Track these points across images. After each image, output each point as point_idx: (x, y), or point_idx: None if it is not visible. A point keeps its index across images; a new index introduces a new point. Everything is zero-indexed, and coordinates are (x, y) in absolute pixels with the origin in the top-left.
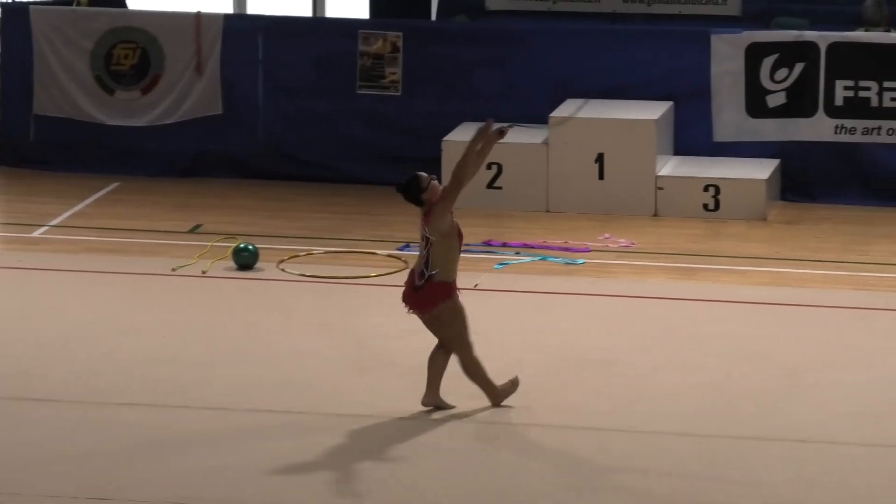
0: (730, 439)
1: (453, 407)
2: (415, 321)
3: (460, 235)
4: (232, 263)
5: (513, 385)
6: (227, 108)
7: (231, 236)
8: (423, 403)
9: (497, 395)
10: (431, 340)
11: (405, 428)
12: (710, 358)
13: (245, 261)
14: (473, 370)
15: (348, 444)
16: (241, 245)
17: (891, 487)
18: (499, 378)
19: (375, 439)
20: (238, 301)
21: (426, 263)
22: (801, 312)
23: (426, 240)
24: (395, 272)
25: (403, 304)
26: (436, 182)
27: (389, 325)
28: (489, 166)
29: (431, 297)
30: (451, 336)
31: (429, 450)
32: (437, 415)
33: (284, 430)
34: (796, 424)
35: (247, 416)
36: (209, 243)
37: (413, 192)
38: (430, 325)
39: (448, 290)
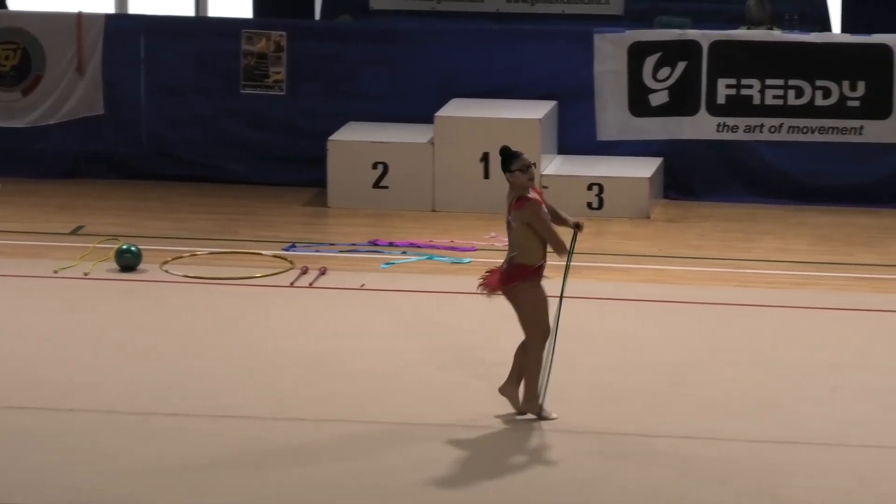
0: (615, 436)
1: (521, 413)
2: (304, 320)
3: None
4: (115, 265)
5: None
6: (109, 109)
7: (114, 238)
8: (500, 391)
9: (529, 404)
10: (318, 340)
11: (292, 431)
12: (595, 356)
13: (128, 262)
14: (533, 367)
15: (237, 445)
16: (124, 246)
17: (772, 483)
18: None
19: (267, 442)
20: (122, 303)
21: (509, 246)
22: (684, 310)
23: (509, 224)
24: (280, 272)
25: (481, 288)
26: (533, 171)
27: (276, 325)
28: (375, 166)
29: (507, 277)
30: (524, 320)
31: (290, 452)
32: (318, 416)
33: (172, 432)
34: (680, 421)
35: (134, 419)
36: (92, 245)
37: (504, 165)
38: (511, 304)
39: (525, 272)
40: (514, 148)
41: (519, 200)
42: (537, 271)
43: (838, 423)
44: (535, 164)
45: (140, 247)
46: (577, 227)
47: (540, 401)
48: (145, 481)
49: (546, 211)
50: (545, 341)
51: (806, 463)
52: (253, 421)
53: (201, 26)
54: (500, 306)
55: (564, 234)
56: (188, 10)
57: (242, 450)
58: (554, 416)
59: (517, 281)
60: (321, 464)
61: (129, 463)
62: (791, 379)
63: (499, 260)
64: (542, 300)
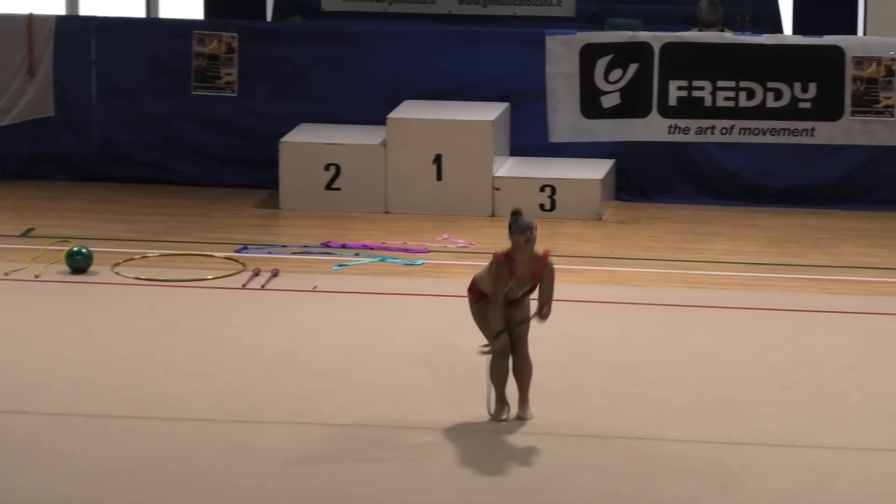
0: (567, 437)
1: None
2: (256, 322)
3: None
4: (65, 267)
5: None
6: (60, 110)
7: (64, 240)
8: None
9: (520, 409)
10: (271, 342)
11: (244, 433)
12: (547, 357)
13: (79, 264)
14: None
15: (189, 448)
16: (75, 248)
17: (725, 484)
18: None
19: (219, 444)
20: (72, 305)
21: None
22: (636, 311)
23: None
24: (232, 274)
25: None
26: (530, 234)
27: (228, 327)
28: (327, 167)
29: (470, 286)
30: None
31: (242, 455)
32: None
33: (123, 434)
34: (633, 422)
35: (85, 421)
36: (42, 247)
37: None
38: None
39: (478, 293)
40: (518, 209)
41: (498, 253)
42: (480, 295)
43: (790, 424)
44: (535, 227)
45: (91, 249)
46: (539, 317)
47: (489, 407)
48: (96, 483)
49: (505, 282)
50: (496, 353)
51: (758, 464)
52: (205, 423)
53: (152, 28)
54: (452, 308)
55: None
56: (139, 12)
57: (194, 452)
58: (503, 417)
59: (470, 294)
60: (274, 466)
61: (80, 465)
62: (743, 380)
63: (451, 262)
64: (486, 317)
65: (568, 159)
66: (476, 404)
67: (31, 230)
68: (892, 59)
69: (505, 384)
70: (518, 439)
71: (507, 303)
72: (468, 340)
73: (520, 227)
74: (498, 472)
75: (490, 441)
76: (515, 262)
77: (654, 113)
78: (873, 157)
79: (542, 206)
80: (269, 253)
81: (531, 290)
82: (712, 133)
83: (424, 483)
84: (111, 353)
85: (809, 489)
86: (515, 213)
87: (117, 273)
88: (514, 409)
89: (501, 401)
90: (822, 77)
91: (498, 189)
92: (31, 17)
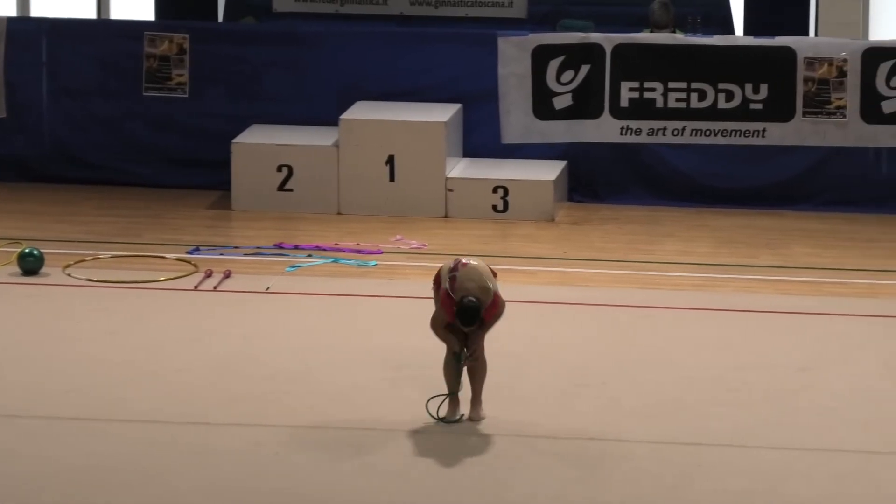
0: (519, 438)
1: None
2: (208, 323)
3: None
4: (17, 269)
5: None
6: (11, 112)
7: (16, 241)
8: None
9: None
10: (223, 343)
11: (196, 435)
12: (499, 357)
13: (30, 266)
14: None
15: (141, 450)
16: (26, 250)
17: (676, 484)
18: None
19: (171, 446)
20: (24, 307)
21: None
22: (589, 311)
23: None
24: (184, 276)
25: None
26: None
27: (181, 329)
28: (279, 168)
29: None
30: None
31: (194, 457)
32: (225, 419)
33: (75, 436)
34: (585, 422)
35: (37, 422)
36: None
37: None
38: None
39: (443, 299)
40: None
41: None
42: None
43: (741, 424)
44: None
45: (42, 250)
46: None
47: (436, 412)
48: (47, 484)
49: (445, 330)
50: (450, 352)
51: (709, 464)
52: (158, 425)
53: (103, 29)
54: (406, 309)
55: None
56: (90, 13)
57: (146, 453)
58: (456, 418)
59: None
60: (226, 468)
61: (31, 466)
62: (695, 380)
63: (404, 263)
64: (441, 318)
65: (520, 160)
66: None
67: None
68: (844, 61)
69: (458, 385)
70: (471, 440)
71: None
72: (422, 342)
73: (465, 326)
74: (451, 473)
75: (443, 442)
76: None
77: (606, 114)
78: (824, 158)
79: (494, 208)
80: (222, 254)
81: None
82: (664, 134)
83: (378, 484)
84: (63, 354)
85: (762, 489)
86: (464, 315)
87: (69, 274)
88: (466, 410)
89: (454, 401)
90: (773, 78)
91: (451, 190)
92: None
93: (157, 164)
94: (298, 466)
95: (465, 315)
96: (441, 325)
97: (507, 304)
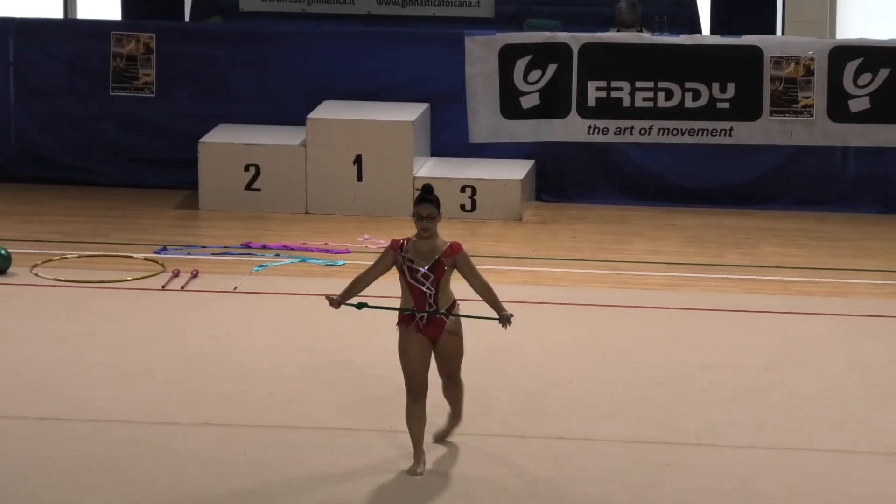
0: (489, 437)
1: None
2: (176, 323)
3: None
4: None
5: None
6: None
7: None
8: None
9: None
10: (191, 343)
11: (164, 435)
12: (468, 357)
13: None
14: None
15: (107, 450)
16: None
17: (646, 483)
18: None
19: (139, 445)
20: None
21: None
22: (557, 311)
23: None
24: (152, 275)
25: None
26: (422, 219)
27: (148, 328)
28: (247, 168)
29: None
30: None
31: (161, 456)
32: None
33: (41, 436)
34: (555, 422)
35: (4, 422)
36: None
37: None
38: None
39: (399, 318)
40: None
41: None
42: (404, 318)
43: (710, 423)
44: (434, 215)
45: (10, 250)
46: (501, 323)
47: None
48: (13, 483)
49: (385, 264)
50: (410, 395)
51: (679, 463)
52: (125, 424)
53: (70, 29)
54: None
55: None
56: (57, 13)
57: (114, 454)
58: (418, 471)
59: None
60: (193, 468)
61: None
62: (663, 379)
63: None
64: (403, 349)
65: (488, 160)
66: (396, 404)
67: None
68: (811, 59)
69: (421, 434)
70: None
71: (411, 286)
72: (388, 341)
73: (419, 205)
74: (432, 474)
75: (409, 443)
76: (409, 240)
77: (574, 114)
78: (792, 157)
79: (462, 207)
80: (189, 254)
81: (439, 277)
82: (631, 133)
83: (347, 483)
84: (30, 354)
85: (731, 488)
86: (423, 189)
87: (36, 274)
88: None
89: (418, 452)
90: (740, 77)
91: (419, 190)
92: None
93: (124, 164)
94: (266, 466)
95: (423, 189)
96: (402, 350)
97: (473, 302)
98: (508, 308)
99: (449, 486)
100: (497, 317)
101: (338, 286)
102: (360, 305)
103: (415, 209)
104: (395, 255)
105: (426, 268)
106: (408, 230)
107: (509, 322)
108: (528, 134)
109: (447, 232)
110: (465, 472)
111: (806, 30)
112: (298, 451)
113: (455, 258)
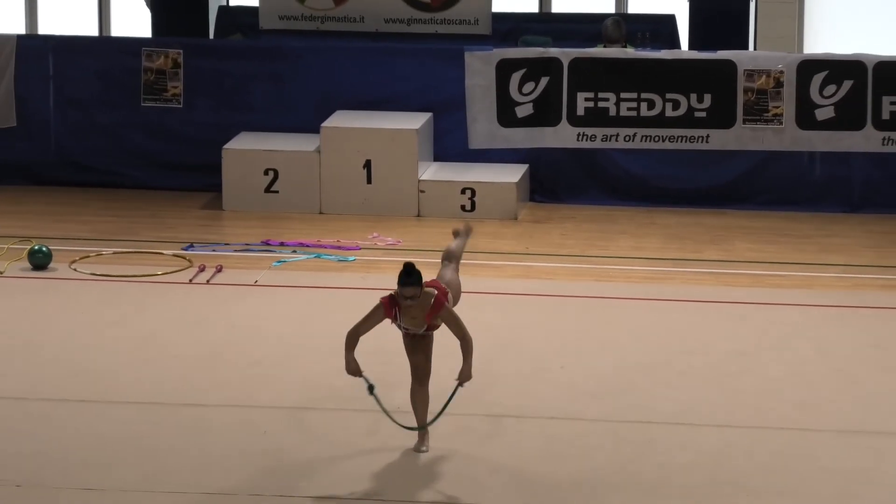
0: (486, 417)
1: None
2: (201, 314)
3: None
4: (27, 264)
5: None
6: (20, 121)
7: (26, 239)
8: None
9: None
10: (215, 332)
11: (191, 416)
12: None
13: (39, 261)
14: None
15: (135, 429)
16: (36, 247)
17: (628, 459)
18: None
19: (163, 425)
20: (34, 299)
21: None
22: (549, 302)
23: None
24: (179, 270)
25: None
26: (413, 300)
27: (175, 318)
28: (266, 172)
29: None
30: None
31: (185, 434)
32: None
33: (78, 417)
34: (546, 403)
35: (45, 404)
36: (6, 246)
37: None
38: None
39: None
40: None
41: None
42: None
43: (686, 404)
44: (416, 295)
45: (50, 247)
46: (458, 382)
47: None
48: (53, 462)
49: (371, 322)
50: (416, 380)
51: (658, 441)
52: (156, 406)
53: (105, 45)
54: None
55: None
56: (93, 31)
57: (143, 433)
58: (422, 449)
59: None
60: (218, 445)
61: (35, 446)
62: (645, 364)
63: (380, 258)
64: (408, 346)
65: (486, 164)
66: (401, 389)
67: None
68: (781, 72)
69: (425, 414)
70: (443, 421)
71: (408, 339)
72: (395, 330)
73: (403, 287)
74: (430, 454)
75: (413, 425)
76: (399, 307)
77: (564, 122)
78: (763, 161)
79: (463, 207)
80: (214, 250)
81: (430, 329)
82: (616, 140)
83: (358, 458)
84: (69, 342)
85: (706, 463)
86: (404, 272)
87: (75, 269)
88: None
89: (422, 434)
90: (716, 89)
91: (423, 191)
92: None
93: (153, 169)
94: (284, 443)
95: (405, 272)
96: (407, 347)
97: (473, 294)
98: (498, 316)
99: (450, 461)
100: (457, 381)
101: (349, 280)
102: (371, 389)
103: (399, 289)
104: (390, 321)
105: (422, 331)
106: (410, 230)
107: (462, 384)
108: (523, 140)
109: (448, 230)
110: (465, 449)
111: (776, 45)
112: (314, 429)
113: (440, 314)
